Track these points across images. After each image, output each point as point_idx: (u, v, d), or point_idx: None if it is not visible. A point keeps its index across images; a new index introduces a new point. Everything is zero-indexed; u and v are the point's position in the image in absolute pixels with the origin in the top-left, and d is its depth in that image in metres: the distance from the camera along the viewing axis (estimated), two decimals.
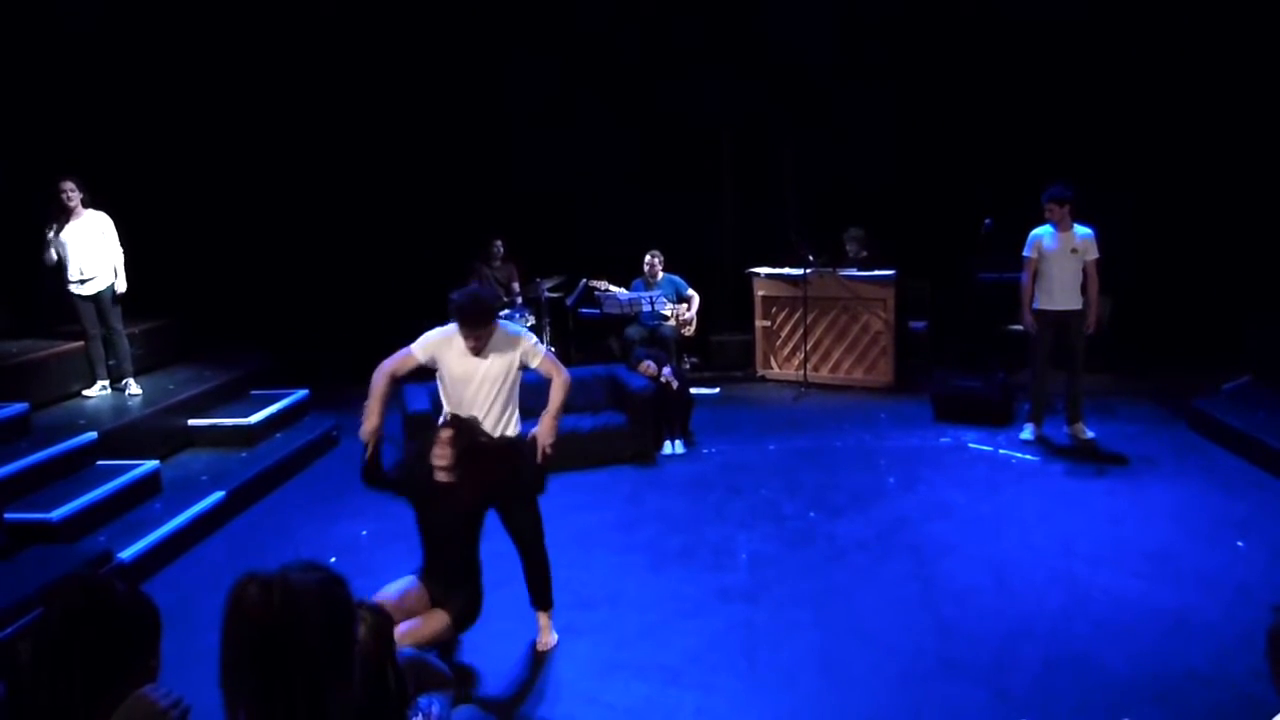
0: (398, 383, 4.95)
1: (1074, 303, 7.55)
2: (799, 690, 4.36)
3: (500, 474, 4.44)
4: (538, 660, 4.71)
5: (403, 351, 4.87)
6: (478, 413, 4.69)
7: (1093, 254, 7.50)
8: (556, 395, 4.76)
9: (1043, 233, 7.59)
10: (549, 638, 4.91)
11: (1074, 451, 7.61)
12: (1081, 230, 7.52)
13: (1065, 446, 7.72)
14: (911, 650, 4.67)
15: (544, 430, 4.63)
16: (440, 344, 4.87)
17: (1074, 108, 10.08)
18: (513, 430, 4.85)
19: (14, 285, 8.35)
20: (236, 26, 10.30)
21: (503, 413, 4.80)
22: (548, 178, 11.15)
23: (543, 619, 4.94)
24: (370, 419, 4.70)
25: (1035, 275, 7.64)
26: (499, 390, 4.76)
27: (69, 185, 7.52)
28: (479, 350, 4.75)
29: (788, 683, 4.42)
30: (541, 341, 9.75)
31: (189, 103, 10.24)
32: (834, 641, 4.78)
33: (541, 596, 4.92)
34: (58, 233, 7.55)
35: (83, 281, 7.62)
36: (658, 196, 10.98)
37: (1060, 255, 7.50)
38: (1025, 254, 7.67)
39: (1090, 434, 7.77)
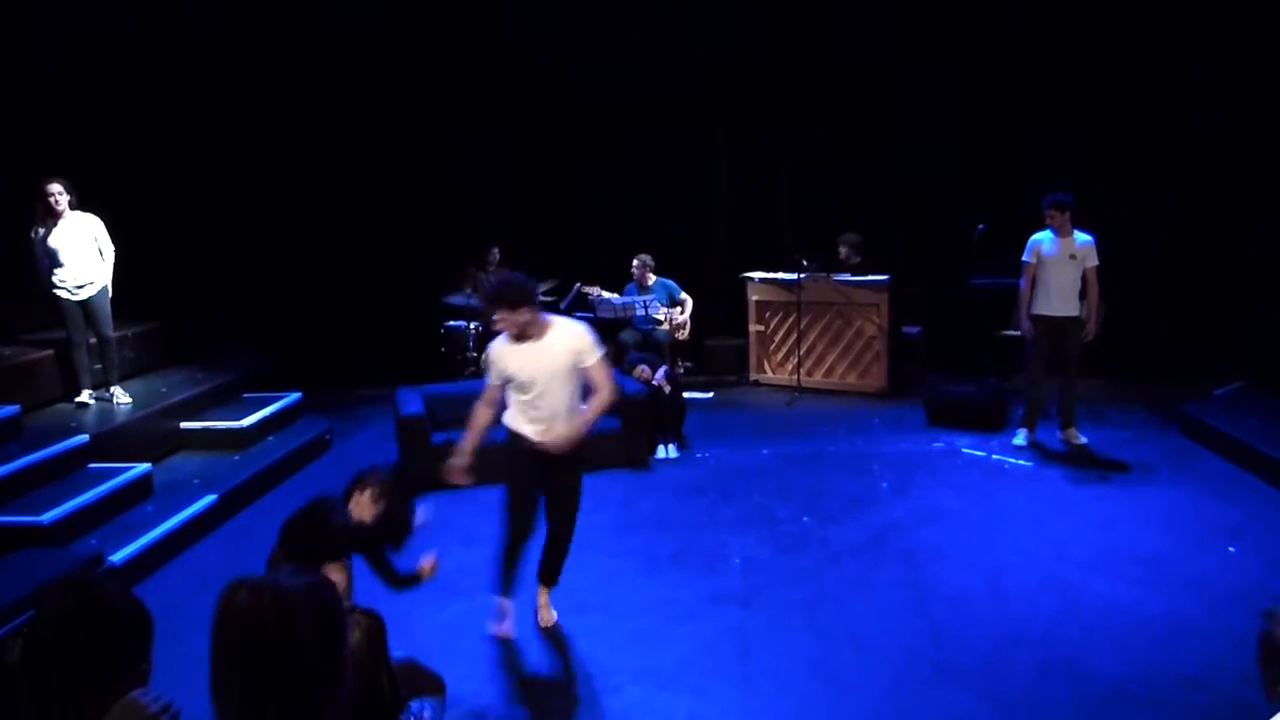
0: (492, 408, 4.87)
1: (1072, 309, 7.57)
2: (792, 695, 4.36)
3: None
4: (530, 665, 4.70)
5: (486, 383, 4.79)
6: (548, 407, 4.71)
7: (1092, 261, 7.52)
8: (596, 404, 4.75)
9: (1042, 238, 7.61)
10: (551, 614, 5.09)
11: (1067, 457, 7.63)
12: (1081, 237, 7.54)
13: (1058, 452, 7.73)
14: (904, 655, 4.67)
15: (573, 425, 4.68)
16: (496, 355, 4.76)
17: (1068, 112, 10.10)
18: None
19: (7, 286, 8.30)
20: (230, 26, 10.28)
21: (571, 404, 4.78)
22: (543, 181, 11.15)
23: (544, 596, 5.13)
24: (459, 455, 4.74)
25: (1034, 281, 7.66)
26: (564, 383, 4.73)
27: (56, 188, 7.24)
28: (522, 337, 4.66)
29: (781, 687, 4.42)
30: None
31: (181, 103, 10.19)
32: (827, 646, 4.77)
33: (554, 573, 5.10)
34: (45, 237, 7.30)
35: (78, 287, 7.40)
36: (653, 200, 10.99)
37: (1059, 261, 7.52)
38: (1025, 259, 7.69)
39: (1083, 439, 7.79)
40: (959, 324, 9.56)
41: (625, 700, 4.36)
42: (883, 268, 9.71)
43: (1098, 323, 7.69)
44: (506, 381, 4.74)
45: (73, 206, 7.40)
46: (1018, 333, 8.18)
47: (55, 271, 7.36)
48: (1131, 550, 5.79)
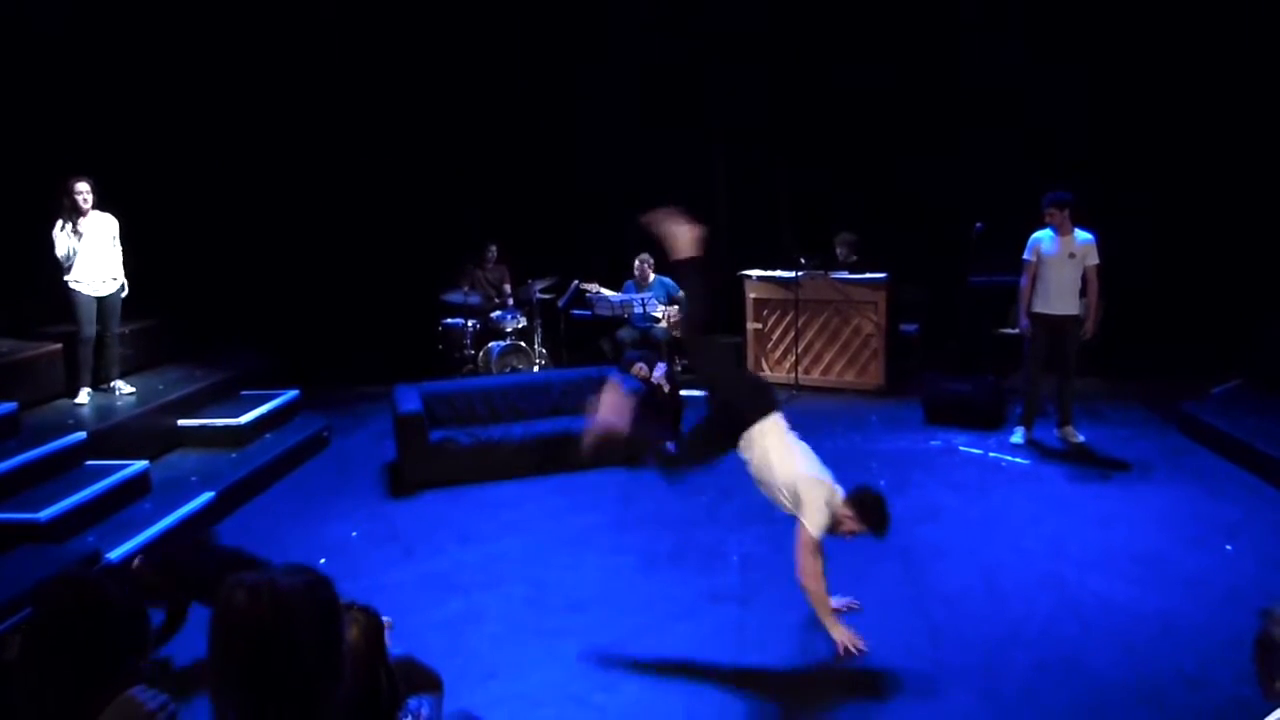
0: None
1: (1071, 308, 7.57)
2: (790, 693, 4.37)
3: None
4: (528, 662, 4.70)
5: (809, 543, 4.65)
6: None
7: (1093, 259, 7.52)
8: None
9: (1042, 236, 7.62)
10: None
11: (1064, 455, 7.63)
12: (1082, 235, 7.54)
13: (1056, 450, 7.73)
14: (902, 653, 4.67)
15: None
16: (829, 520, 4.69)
17: (1065, 111, 10.10)
18: None
19: (3, 284, 8.30)
20: (229, 23, 10.27)
21: None
22: (541, 180, 11.15)
23: None
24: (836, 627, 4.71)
25: (1034, 279, 7.66)
26: None
27: (85, 186, 7.44)
28: None
29: (779, 685, 4.43)
30: (533, 343, 9.88)
31: (179, 100, 10.19)
32: (824, 644, 4.77)
33: None
34: (69, 234, 7.44)
35: (101, 282, 7.60)
36: (650, 199, 10.95)
37: (1059, 260, 7.53)
38: (1025, 257, 7.70)
39: (1080, 437, 7.80)
40: (957, 322, 9.57)
41: (623, 698, 4.36)
42: (880, 266, 9.71)
43: (1096, 321, 7.68)
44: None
45: (94, 206, 7.56)
46: (1015, 330, 8.18)
47: (77, 268, 7.50)
48: (1129, 548, 5.79)
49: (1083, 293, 7.61)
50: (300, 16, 10.53)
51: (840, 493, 4.74)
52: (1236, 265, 9.70)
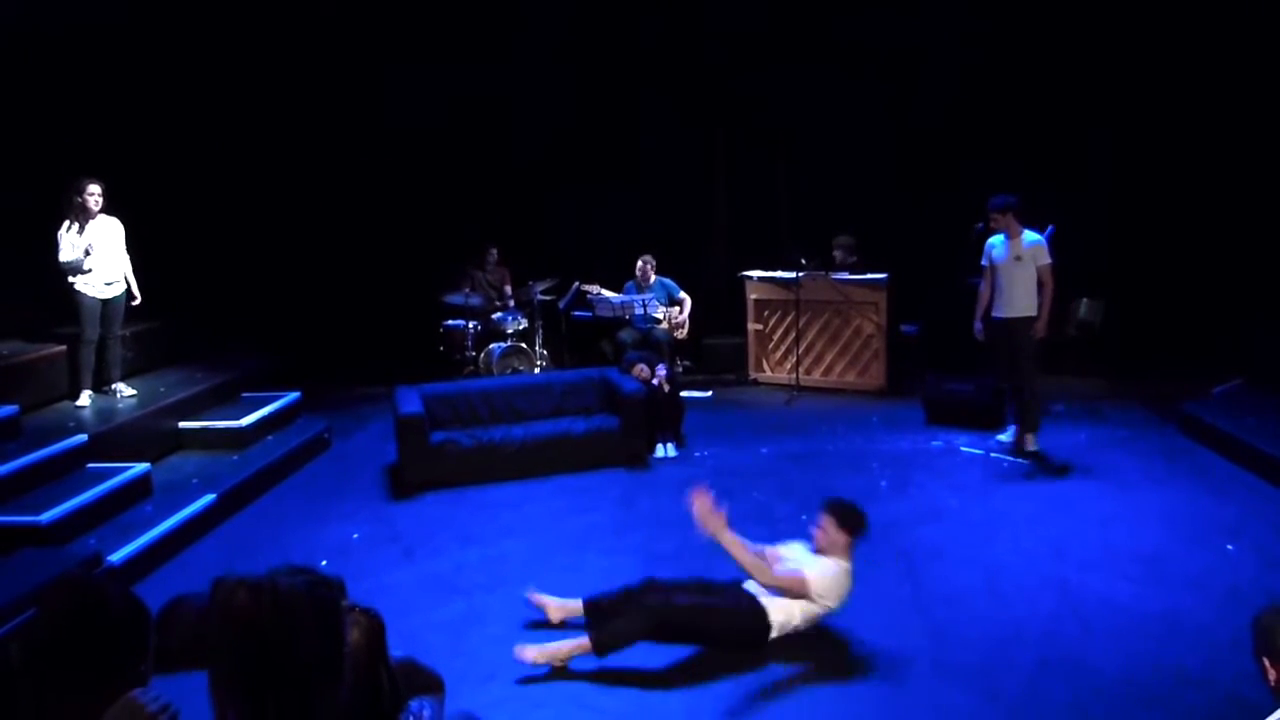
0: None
1: (1023, 310, 7.52)
2: (790, 694, 4.37)
3: None
4: (528, 664, 4.69)
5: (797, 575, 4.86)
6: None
7: (1043, 260, 7.49)
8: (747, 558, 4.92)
9: (994, 242, 7.65)
10: None
11: (1065, 456, 7.60)
12: (1030, 237, 7.53)
13: (1056, 451, 7.68)
14: (902, 653, 4.67)
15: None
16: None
17: (1067, 111, 10.10)
18: None
19: (3, 285, 8.29)
20: (230, 25, 10.28)
21: None
22: (541, 181, 11.16)
23: None
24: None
25: (991, 285, 7.68)
26: None
27: (97, 189, 7.48)
28: None
29: (779, 686, 4.42)
30: (534, 345, 9.88)
31: (182, 103, 10.18)
32: (825, 644, 4.78)
33: None
34: (79, 235, 7.46)
35: (108, 284, 7.62)
36: (651, 200, 10.98)
37: (1008, 264, 7.53)
38: (981, 263, 7.73)
39: (1034, 446, 7.54)
40: (957, 322, 9.56)
41: (623, 699, 4.36)
42: (880, 266, 9.71)
43: (1045, 322, 7.56)
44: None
45: (102, 209, 7.60)
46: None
47: (85, 270, 7.51)
48: (1130, 548, 5.79)
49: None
50: (299, 20, 10.52)
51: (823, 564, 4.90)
52: (1237, 265, 9.69)
